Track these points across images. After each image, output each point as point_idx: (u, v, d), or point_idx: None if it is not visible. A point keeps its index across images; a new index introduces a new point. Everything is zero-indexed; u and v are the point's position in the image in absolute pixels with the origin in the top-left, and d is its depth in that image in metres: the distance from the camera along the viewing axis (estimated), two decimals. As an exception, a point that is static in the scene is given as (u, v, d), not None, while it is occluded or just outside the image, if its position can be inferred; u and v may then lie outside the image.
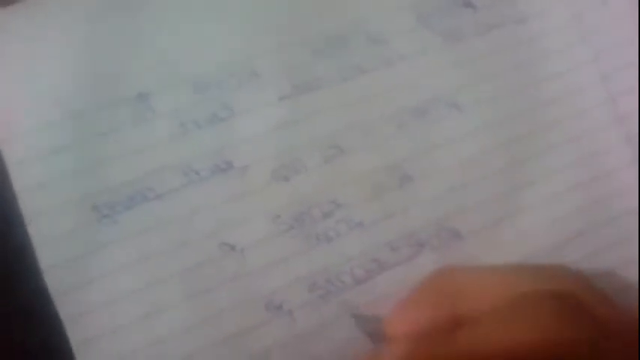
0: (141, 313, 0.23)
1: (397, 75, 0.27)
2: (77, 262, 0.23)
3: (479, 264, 0.25)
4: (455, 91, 0.27)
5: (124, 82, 0.24)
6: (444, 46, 0.27)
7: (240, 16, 0.26)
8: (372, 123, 0.26)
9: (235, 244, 0.24)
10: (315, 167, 0.25)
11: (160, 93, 0.25)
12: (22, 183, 0.23)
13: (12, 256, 0.23)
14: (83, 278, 0.23)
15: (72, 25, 0.24)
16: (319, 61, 0.26)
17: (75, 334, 0.22)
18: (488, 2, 0.28)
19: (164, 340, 0.23)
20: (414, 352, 0.21)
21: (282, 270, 0.24)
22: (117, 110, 0.24)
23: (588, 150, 0.27)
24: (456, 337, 0.21)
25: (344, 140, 0.26)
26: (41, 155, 0.23)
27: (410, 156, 0.26)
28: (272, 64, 0.26)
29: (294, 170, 0.25)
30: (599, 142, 0.27)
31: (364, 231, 0.25)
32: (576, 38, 0.28)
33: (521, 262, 0.25)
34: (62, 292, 0.22)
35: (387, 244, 0.25)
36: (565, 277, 0.22)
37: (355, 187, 0.25)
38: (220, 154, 0.25)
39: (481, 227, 0.26)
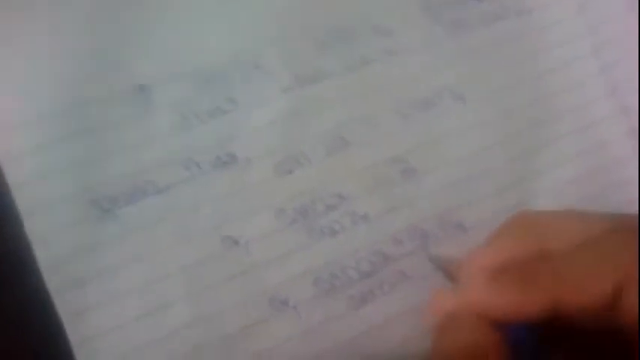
0: (142, 310, 0.23)
1: (401, 66, 0.26)
2: (76, 259, 0.22)
3: None
4: (459, 83, 0.27)
5: (125, 74, 0.24)
6: (449, 38, 0.27)
7: (244, 8, 0.25)
8: (375, 115, 0.26)
9: (238, 238, 0.24)
10: (319, 160, 0.25)
11: (162, 85, 0.24)
12: (17, 177, 0.22)
13: (8, 253, 0.22)
14: (83, 275, 0.22)
15: (71, 14, 0.24)
16: (323, 53, 0.26)
17: (74, 333, 0.22)
18: None
19: (167, 337, 0.22)
20: (498, 282, 0.20)
21: (286, 264, 0.24)
22: (117, 102, 0.24)
23: (592, 141, 0.27)
24: (542, 268, 0.20)
25: (347, 132, 0.25)
26: (37, 148, 0.22)
27: (413, 148, 0.26)
28: (275, 56, 0.25)
29: (297, 163, 0.25)
30: (603, 134, 0.27)
31: (368, 224, 0.25)
32: (579, 30, 0.28)
33: None
34: (61, 290, 0.22)
35: (391, 237, 0.25)
36: None
37: (359, 179, 0.25)
38: (223, 147, 0.24)
39: (485, 220, 0.26)
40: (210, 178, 0.24)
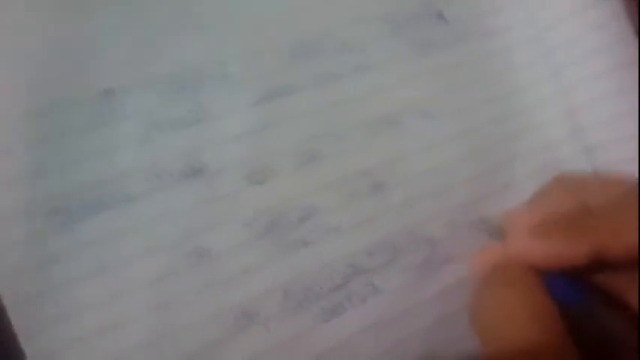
0: (103, 325, 0.22)
1: (370, 82, 0.27)
2: (33, 273, 0.21)
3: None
4: (426, 100, 0.27)
5: (89, 78, 0.23)
6: (416, 56, 0.28)
7: (215, 19, 0.25)
8: (344, 129, 0.26)
9: (207, 250, 0.23)
10: (289, 172, 0.25)
11: (128, 91, 0.23)
12: None
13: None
14: (39, 290, 0.21)
15: (35, 15, 0.23)
16: (293, 66, 0.26)
17: (31, 349, 0.20)
18: (459, 16, 0.29)
19: (128, 353, 0.21)
20: (543, 232, 0.21)
21: (256, 277, 0.23)
22: (80, 108, 0.23)
23: (550, 160, 0.28)
24: (583, 219, 0.21)
25: (317, 146, 0.25)
26: None
27: (381, 163, 0.26)
28: (246, 68, 0.25)
29: (268, 175, 0.24)
30: (560, 153, 0.28)
31: (339, 236, 0.25)
32: (539, 54, 0.29)
33: None
34: (16, 305, 0.21)
35: (361, 250, 0.25)
36: None
37: (329, 192, 0.25)
38: (191, 157, 0.24)
39: (453, 233, 0.26)
40: (177, 189, 0.23)
